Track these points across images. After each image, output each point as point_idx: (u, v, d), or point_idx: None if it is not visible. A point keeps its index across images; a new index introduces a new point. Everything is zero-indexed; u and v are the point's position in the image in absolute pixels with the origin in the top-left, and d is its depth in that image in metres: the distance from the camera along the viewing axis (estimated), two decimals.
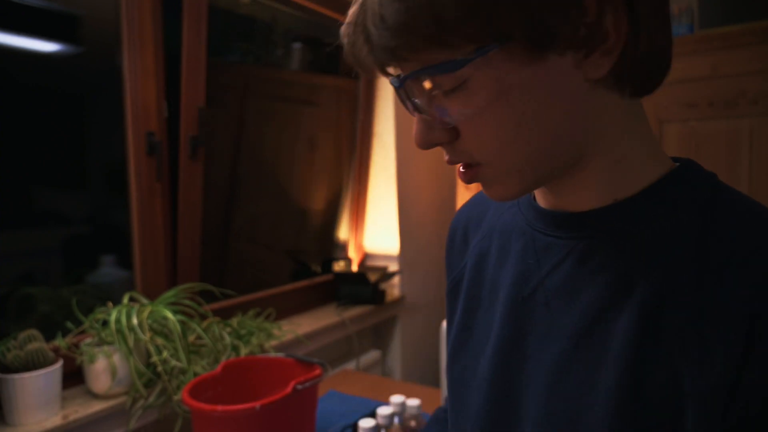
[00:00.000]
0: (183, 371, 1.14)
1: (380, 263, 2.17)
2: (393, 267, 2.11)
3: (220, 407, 0.88)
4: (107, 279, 1.35)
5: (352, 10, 0.41)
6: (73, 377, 1.16)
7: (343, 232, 2.15)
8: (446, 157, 0.45)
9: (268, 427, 0.92)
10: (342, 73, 2.04)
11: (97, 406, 1.08)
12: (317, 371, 1.02)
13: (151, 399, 1.13)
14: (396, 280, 2.13)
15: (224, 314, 1.49)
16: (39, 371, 1.00)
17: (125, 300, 1.19)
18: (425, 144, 0.43)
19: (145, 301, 1.21)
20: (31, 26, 1.15)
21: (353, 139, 2.10)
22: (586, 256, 0.44)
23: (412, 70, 0.40)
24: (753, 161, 1.54)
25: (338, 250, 2.15)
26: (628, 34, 0.38)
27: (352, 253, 2.17)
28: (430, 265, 2.36)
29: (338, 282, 1.95)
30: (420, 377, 2.18)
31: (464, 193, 2.06)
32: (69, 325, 1.13)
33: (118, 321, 1.10)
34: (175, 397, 1.13)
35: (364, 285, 1.91)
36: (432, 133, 0.42)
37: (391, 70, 0.42)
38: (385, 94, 2.10)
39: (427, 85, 0.40)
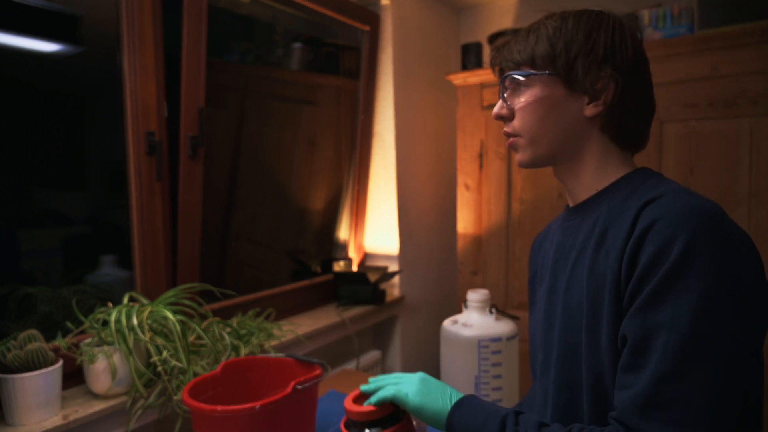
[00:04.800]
0: (183, 371, 1.14)
1: (380, 263, 2.17)
2: (393, 267, 2.11)
3: (220, 407, 0.88)
4: (107, 279, 1.35)
5: (528, 28, 0.76)
6: (73, 377, 1.16)
7: (343, 232, 2.15)
8: (503, 130, 0.79)
9: (268, 427, 0.92)
10: (342, 73, 2.04)
11: (97, 406, 1.08)
12: (317, 371, 1.02)
13: (151, 399, 1.13)
14: (396, 280, 2.13)
15: (224, 314, 1.50)
16: (39, 371, 1.00)
17: (125, 300, 1.19)
18: (497, 115, 0.78)
19: (145, 301, 1.21)
20: (31, 26, 1.15)
21: (353, 139, 2.10)
22: (582, 225, 0.77)
23: (511, 72, 0.76)
24: (753, 161, 1.54)
25: (338, 250, 2.15)
26: (612, 101, 0.72)
27: (352, 253, 2.17)
28: (430, 265, 2.36)
29: (338, 282, 1.95)
30: None
31: (464, 193, 2.06)
32: (69, 325, 1.14)
33: (118, 321, 1.10)
34: (175, 397, 1.13)
35: (364, 285, 1.91)
36: (502, 110, 0.78)
37: (496, 70, 0.80)
38: (385, 95, 2.10)
39: (514, 81, 0.76)
